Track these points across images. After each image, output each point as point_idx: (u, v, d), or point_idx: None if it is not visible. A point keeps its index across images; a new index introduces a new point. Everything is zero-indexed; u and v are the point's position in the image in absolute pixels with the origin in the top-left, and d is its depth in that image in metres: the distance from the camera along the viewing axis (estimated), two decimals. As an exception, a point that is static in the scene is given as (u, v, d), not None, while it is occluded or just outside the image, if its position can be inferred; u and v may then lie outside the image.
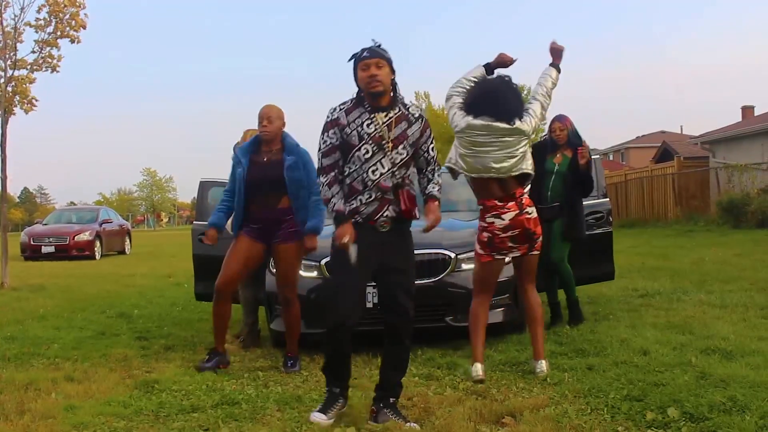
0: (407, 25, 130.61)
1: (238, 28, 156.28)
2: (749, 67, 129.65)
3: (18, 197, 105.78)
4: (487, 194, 5.01)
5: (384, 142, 3.93)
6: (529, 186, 5.20)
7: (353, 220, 3.94)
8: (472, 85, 5.07)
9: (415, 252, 5.83)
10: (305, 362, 5.50)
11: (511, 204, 4.95)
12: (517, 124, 4.92)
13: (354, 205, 3.96)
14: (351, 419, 4.04)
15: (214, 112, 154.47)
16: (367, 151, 3.93)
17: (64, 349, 6.31)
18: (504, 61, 5.11)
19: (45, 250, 21.20)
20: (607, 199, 7.63)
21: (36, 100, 12.26)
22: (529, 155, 5.04)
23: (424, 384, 4.81)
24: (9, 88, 11.89)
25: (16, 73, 11.97)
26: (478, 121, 4.91)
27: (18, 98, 12.00)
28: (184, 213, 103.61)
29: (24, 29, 11.97)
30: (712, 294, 8.01)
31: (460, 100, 5.06)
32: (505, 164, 4.92)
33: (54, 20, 11.88)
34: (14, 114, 12.18)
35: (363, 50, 3.95)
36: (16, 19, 11.91)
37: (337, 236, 3.88)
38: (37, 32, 11.96)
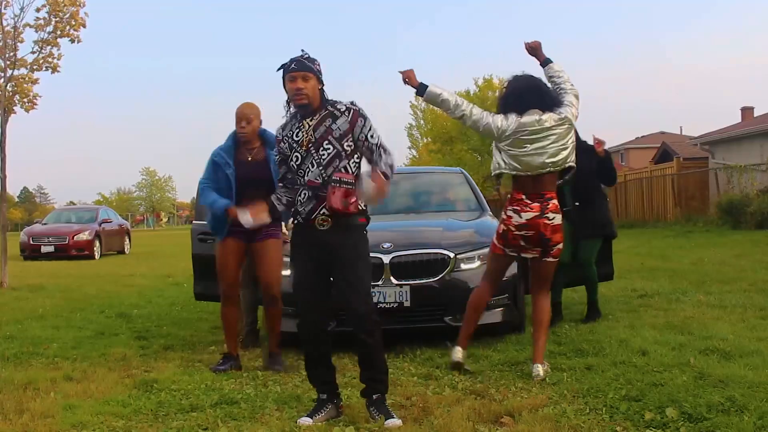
0: (404, 25, 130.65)
1: (237, 28, 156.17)
2: (749, 69, 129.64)
3: (17, 197, 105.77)
4: (519, 186, 5.06)
5: (310, 145, 4.02)
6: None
7: (295, 220, 4.12)
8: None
9: (415, 252, 5.95)
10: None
11: (535, 205, 4.97)
12: (564, 113, 5.00)
13: (296, 207, 4.10)
14: (350, 418, 4.05)
15: (214, 112, 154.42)
16: (297, 158, 4.07)
17: (63, 348, 6.31)
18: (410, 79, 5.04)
19: (44, 249, 21.20)
20: (607, 200, 7.64)
21: (39, 96, 12.26)
22: (574, 148, 5.11)
23: (423, 384, 4.82)
24: (9, 88, 11.89)
25: (16, 72, 11.97)
26: (528, 118, 4.96)
27: (18, 97, 11.99)
28: (183, 213, 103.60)
29: (24, 29, 11.99)
30: (711, 295, 8.01)
31: (480, 110, 5.09)
32: (560, 156, 4.99)
33: (54, 20, 11.88)
34: (14, 113, 12.18)
35: (291, 61, 4.03)
36: (16, 18, 11.92)
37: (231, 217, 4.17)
38: (36, 32, 11.97)
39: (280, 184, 4.28)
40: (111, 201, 77.88)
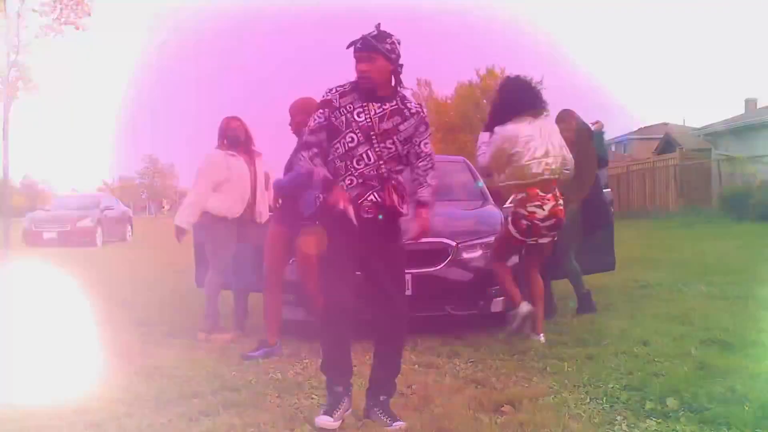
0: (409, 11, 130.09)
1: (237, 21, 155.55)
2: (753, 60, 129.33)
3: (20, 183, 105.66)
4: (530, 183, 5.37)
5: (372, 133, 3.73)
6: None
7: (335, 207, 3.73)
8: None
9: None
10: (306, 350, 5.50)
11: (549, 195, 5.36)
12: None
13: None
14: (354, 408, 4.03)
15: (217, 101, 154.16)
16: (353, 140, 3.73)
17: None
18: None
19: (47, 236, 21.19)
20: (609, 190, 7.64)
21: (39, 84, 12.27)
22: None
23: (424, 372, 4.82)
24: (13, 73, 11.89)
25: (20, 58, 11.97)
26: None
27: (21, 83, 12.00)
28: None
29: (28, 15, 11.99)
30: (712, 286, 8.01)
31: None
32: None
33: (59, 6, 11.88)
34: (17, 98, 12.19)
35: (358, 40, 3.74)
36: (21, 4, 11.92)
37: (333, 203, 3.66)
38: (41, 17, 11.97)
39: (315, 150, 3.81)
40: (114, 188, 77.94)
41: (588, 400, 4.04)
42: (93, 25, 12.50)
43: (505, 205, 6.38)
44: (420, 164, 3.90)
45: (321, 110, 3.82)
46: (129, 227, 24.75)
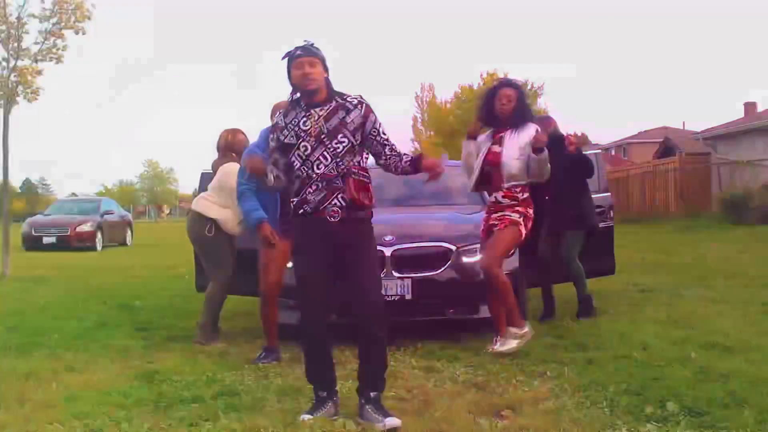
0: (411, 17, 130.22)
1: (242, 19, 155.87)
2: (752, 63, 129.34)
3: (19, 188, 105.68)
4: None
5: (323, 135, 3.91)
6: None
7: (301, 211, 3.97)
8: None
9: (417, 244, 5.95)
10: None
11: None
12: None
13: (302, 196, 3.97)
14: (351, 411, 4.04)
15: (215, 104, 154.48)
16: (306, 148, 3.93)
17: (65, 339, 6.31)
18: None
19: (46, 240, 21.17)
20: (609, 194, 7.65)
21: (41, 89, 12.24)
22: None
23: (424, 376, 4.82)
24: (13, 78, 11.87)
25: (20, 63, 11.95)
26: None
27: (21, 88, 11.98)
28: (185, 205, 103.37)
29: (28, 20, 11.96)
30: (712, 289, 8.02)
31: None
32: None
33: (58, 11, 11.85)
34: (17, 104, 12.17)
35: (296, 48, 3.97)
36: (20, 9, 11.90)
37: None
38: (41, 22, 11.95)
39: (271, 166, 4.12)
40: (113, 193, 77.98)
41: (588, 404, 4.03)
42: (92, 28, 12.55)
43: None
44: (387, 150, 4.07)
45: (272, 135, 4.11)
46: (129, 231, 24.75)
